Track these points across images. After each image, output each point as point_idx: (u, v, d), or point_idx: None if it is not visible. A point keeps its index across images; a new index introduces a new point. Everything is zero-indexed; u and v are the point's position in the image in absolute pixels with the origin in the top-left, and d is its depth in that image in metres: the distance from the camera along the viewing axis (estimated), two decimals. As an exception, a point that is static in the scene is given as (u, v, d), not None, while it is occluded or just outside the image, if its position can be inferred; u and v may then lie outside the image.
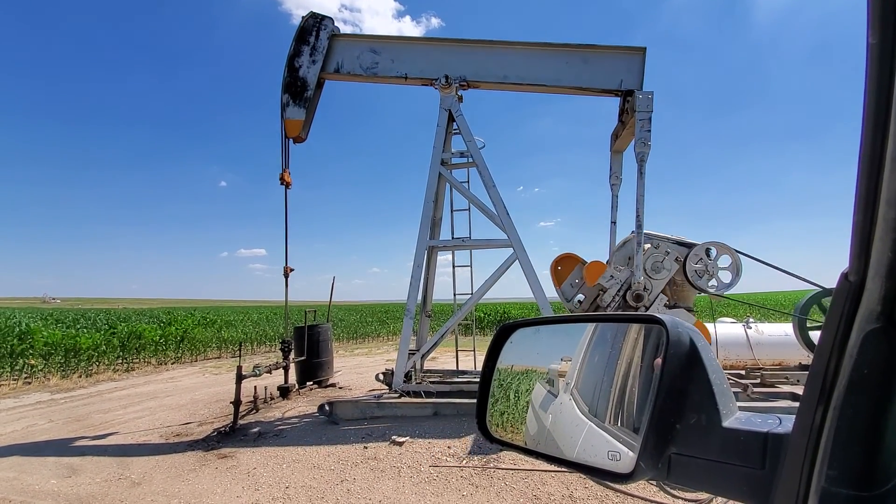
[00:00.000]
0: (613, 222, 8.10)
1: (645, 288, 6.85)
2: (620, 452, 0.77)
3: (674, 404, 0.65)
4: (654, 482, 4.52)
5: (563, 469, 4.43)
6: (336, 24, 8.36)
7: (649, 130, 6.79)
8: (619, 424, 0.84)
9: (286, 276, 8.58)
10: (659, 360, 0.71)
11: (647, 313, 0.84)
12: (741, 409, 0.67)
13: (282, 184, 8.36)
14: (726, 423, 0.63)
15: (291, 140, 8.58)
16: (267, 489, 4.85)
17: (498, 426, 1.07)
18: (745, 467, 0.59)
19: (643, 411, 0.74)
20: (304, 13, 8.53)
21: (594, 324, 1.06)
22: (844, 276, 0.49)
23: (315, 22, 8.36)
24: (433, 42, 8.51)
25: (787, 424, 0.59)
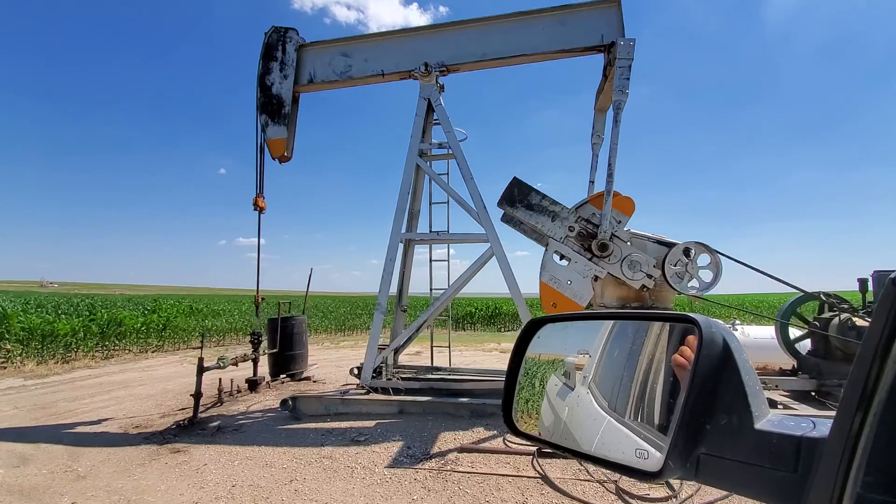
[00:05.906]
0: (592, 181, 7.91)
1: (611, 238, 6.62)
2: (647, 451, 0.76)
3: (705, 404, 0.65)
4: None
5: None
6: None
7: (628, 78, 6.49)
8: (640, 420, 0.84)
9: (257, 305, 8.52)
10: (676, 357, 0.72)
11: (681, 312, 0.82)
12: None
13: (255, 209, 8.05)
14: (759, 426, 0.62)
15: (277, 160, 8.33)
16: (212, 487, 4.66)
17: (524, 421, 1.08)
18: (778, 470, 0.59)
19: (669, 409, 0.75)
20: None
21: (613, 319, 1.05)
22: (892, 282, 0.48)
23: (279, 36, 8.06)
24: (406, 33, 8.14)
25: (821, 429, 0.59)
